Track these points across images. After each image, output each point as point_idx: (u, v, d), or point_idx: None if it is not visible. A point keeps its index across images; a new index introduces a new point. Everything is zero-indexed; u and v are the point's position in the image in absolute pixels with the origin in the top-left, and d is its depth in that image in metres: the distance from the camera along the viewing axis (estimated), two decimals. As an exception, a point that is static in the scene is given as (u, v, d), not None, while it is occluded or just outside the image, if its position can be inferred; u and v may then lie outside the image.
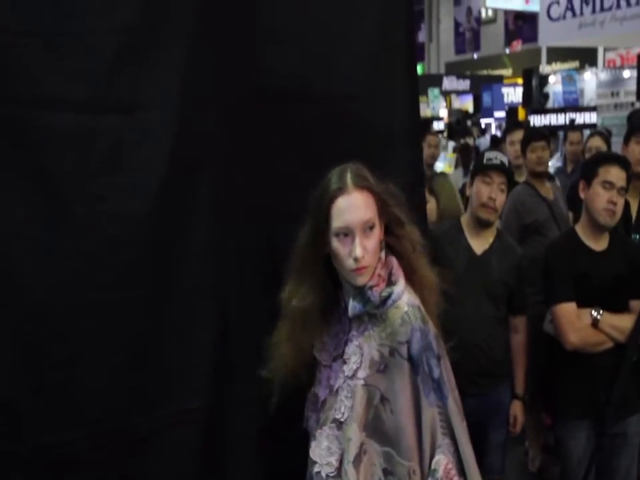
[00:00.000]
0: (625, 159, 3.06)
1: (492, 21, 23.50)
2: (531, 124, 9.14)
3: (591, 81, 11.38)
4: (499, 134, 12.72)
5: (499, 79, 19.58)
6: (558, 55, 17.04)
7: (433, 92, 18.59)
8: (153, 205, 1.78)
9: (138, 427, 1.79)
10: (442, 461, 1.69)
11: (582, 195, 2.95)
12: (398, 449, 1.69)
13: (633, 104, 10.04)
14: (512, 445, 3.61)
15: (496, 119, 16.63)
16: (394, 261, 1.78)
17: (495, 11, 21.91)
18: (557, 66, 17.20)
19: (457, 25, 25.03)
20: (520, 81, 14.37)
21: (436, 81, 19.76)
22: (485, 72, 22.62)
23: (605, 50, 14.14)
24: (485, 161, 2.98)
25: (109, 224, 1.74)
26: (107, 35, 1.73)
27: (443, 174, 5.82)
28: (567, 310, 2.83)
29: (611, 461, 2.92)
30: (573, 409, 2.90)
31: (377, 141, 2.17)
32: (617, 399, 2.79)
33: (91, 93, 1.73)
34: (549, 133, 6.03)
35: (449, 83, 19.99)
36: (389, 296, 1.73)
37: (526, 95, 11.88)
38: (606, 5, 10.01)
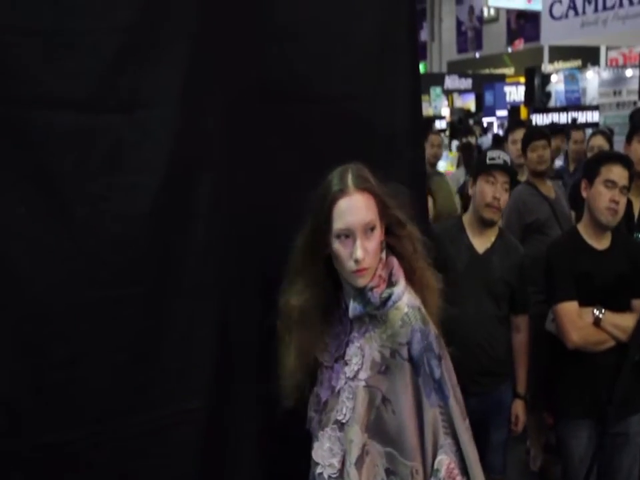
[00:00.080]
0: (628, 158, 3.05)
1: (494, 19, 23.51)
2: (533, 123, 9.14)
3: (593, 79, 11.39)
4: (501, 133, 12.70)
5: (501, 78, 19.60)
6: (560, 53, 17.05)
7: (435, 91, 18.62)
8: (153, 204, 1.77)
9: (138, 426, 1.79)
10: (444, 461, 1.69)
11: (584, 194, 2.95)
12: (400, 449, 1.69)
13: (635, 103, 10.05)
14: (513, 444, 3.61)
15: (498, 118, 16.61)
16: (394, 261, 1.78)
17: (497, 9, 21.92)
18: (559, 65, 17.21)
19: (459, 23, 25.04)
20: (522, 79, 14.40)
21: (438, 79, 19.79)
22: (487, 71, 22.65)
23: (608, 49, 14.15)
24: (487, 160, 2.97)
25: (109, 224, 1.73)
26: (107, 35, 1.73)
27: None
28: (569, 309, 2.83)
29: (613, 460, 2.92)
30: (574, 408, 2.90)
31: (378, 141, 2.17)
32: (618, 398, 2.79)
33: (91, 92, 1.72)
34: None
35: (451, 81, 20.02)
36: (389, 297, 1.72)
37: (528, 93, 11.90)
38: (608, 4, 9.98)
